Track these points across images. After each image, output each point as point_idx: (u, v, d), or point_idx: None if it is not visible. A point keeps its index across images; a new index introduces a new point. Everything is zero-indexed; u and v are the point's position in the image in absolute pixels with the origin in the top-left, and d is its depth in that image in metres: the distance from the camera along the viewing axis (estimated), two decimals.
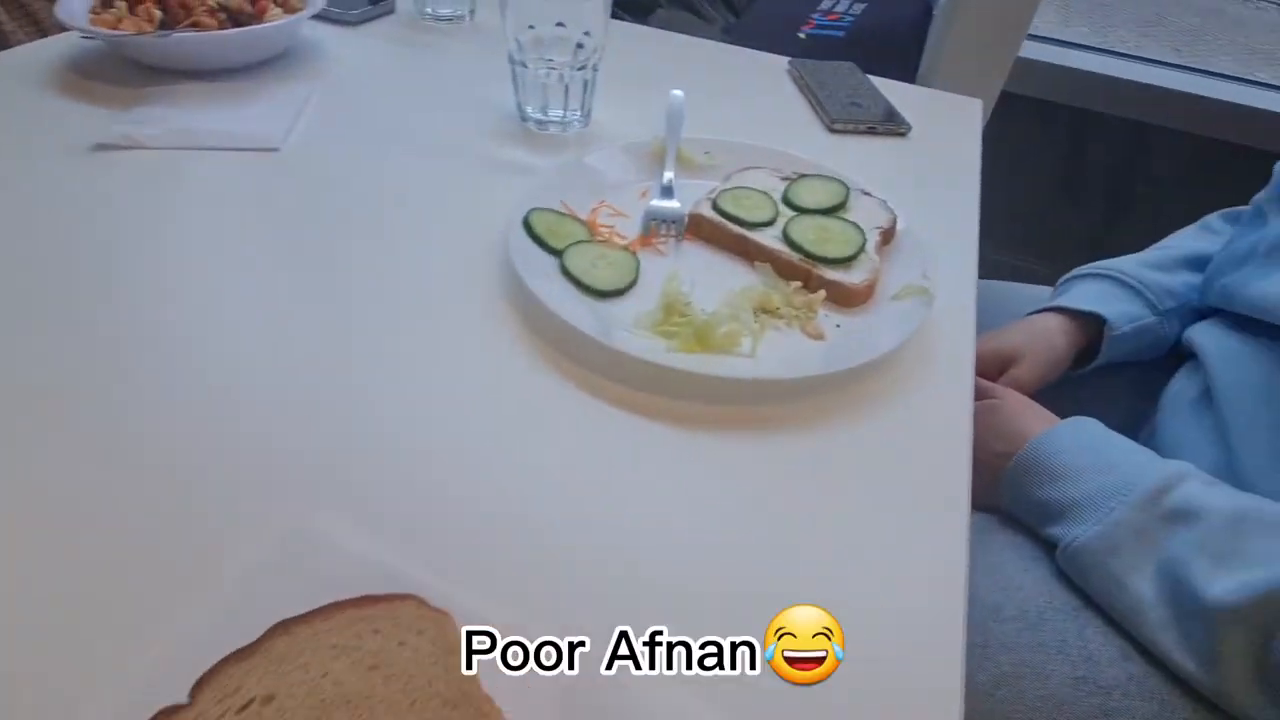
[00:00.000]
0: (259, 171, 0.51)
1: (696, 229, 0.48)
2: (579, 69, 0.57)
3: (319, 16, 0.69)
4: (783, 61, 0.77)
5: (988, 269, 0.53)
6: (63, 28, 0.61)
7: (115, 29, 0.59)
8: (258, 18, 0.62)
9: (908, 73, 0.92)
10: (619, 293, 0.42)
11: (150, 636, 0.24)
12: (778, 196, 0.50)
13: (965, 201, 0.56)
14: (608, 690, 0.24)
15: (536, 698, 0.23)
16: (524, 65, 0.56)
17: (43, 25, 0.64)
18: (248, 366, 0.36)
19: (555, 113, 0.59)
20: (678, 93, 0.58)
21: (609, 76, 0.62)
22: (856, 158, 0.60)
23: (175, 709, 0.22)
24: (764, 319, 0.41)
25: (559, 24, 0.56)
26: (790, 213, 0.48)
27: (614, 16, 0.90)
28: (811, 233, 0.45)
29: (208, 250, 0.44)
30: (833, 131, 0.64)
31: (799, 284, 0.43)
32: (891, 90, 0.72)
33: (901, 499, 0.33)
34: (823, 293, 0.42)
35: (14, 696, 0.23)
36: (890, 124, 0.64)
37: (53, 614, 0.25)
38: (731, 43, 0.96)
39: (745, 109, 0.67)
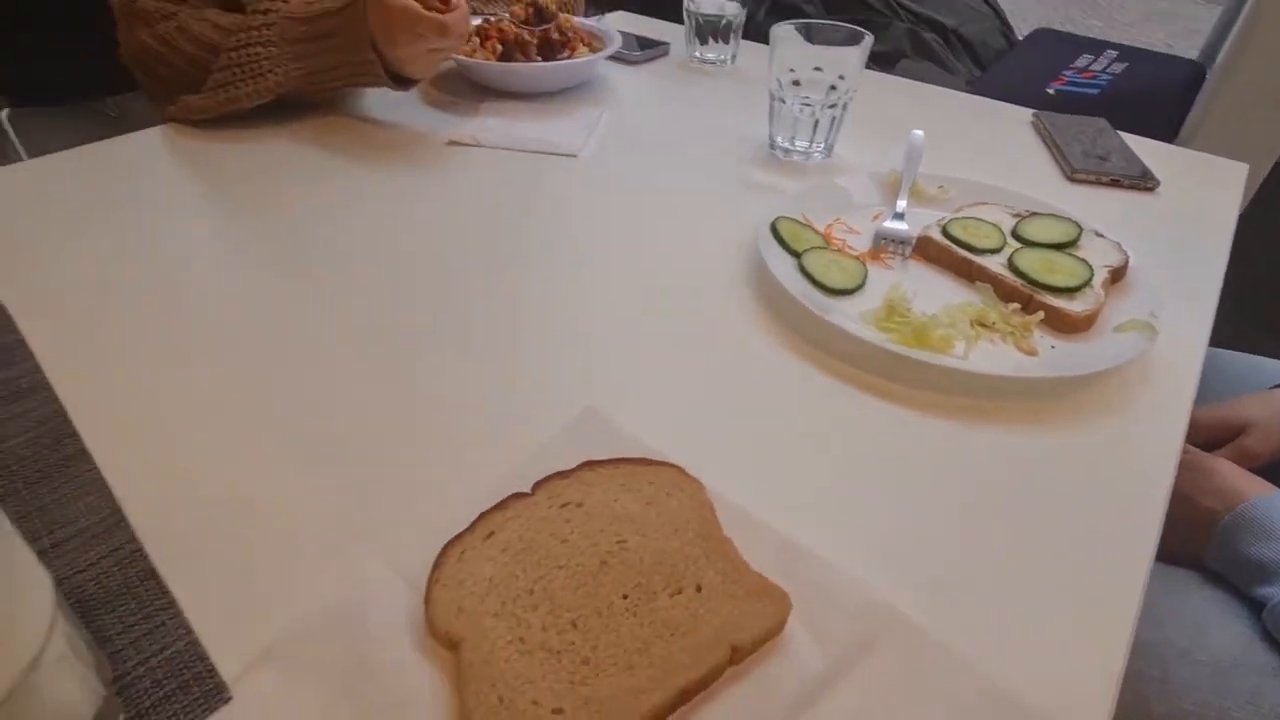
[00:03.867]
0: (562, 170, 0.66)
1: (924, 250, 0.54)
2: (830, 107, 0.66)
3: (611, 57, 0.85)
4: (1026, 113, 0.80)
5: (1222, 340, 0.52)
6: None
7: (469, 57, 0.78)
8: (571, 54, 0.79)
9: (1166, 136, 0.90)
10: (848, 292, 0.49)
11: (509, 451, 0.36)
12: (1007, 230, 0.54)
13: (1210, 263, 0.56)
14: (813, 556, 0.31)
15: (760, 544, 0.32)
16: (782, 101, 0.66)
17: None
18: (561, 304, 0.48)
19: (801, 144, 0.68)
20: (918, 132, 0.64)
21: (854, 118, 0.70)
22: (1095, 208, 0.62)
23: (522, 495, 0.33)
24: (979, 330, 0.46)
25: (817, 68, 0.65)
26: (1018, 245, 0.52)
27: None
28: (1037, 262, 0.50)
29: (520, 229, 0.58)
30: (1072, 180, 0.66)
31: (1018, 306, 0.48)
32: (1145, 148, 0.72)
33: (1085, 522, 0.35)
34: (1041, 314, 0.46)
35: (428, 466, 0.35)
36: (1137, 178, 0.65)
37: (451, 426, 0.38)
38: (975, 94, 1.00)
39: (982, 154, 0.72)
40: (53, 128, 1.82)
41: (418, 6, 0.61)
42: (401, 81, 0.67)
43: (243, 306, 0.47)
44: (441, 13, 0.62)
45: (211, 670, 0.28)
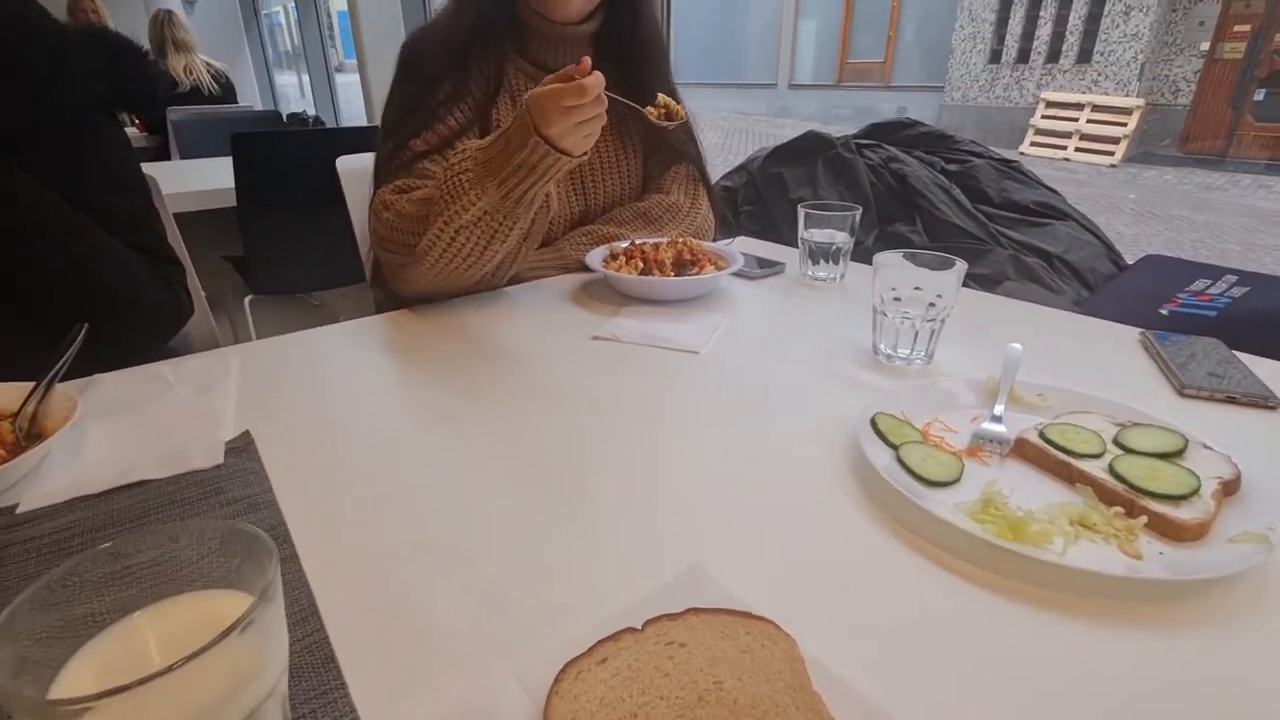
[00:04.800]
0: (687, 363, 0.76)
1: (1020, 451, 0.56)
2: (929, 320, 0.73)
3: (733, 274, 0.99)
4: (1133, 332, 0.83)
5: None
6: (583, 266, 1.01)
7: (615, 271, 0.94)
8: (699, 271, 0.94)
9: None
10: (944, 484, 0.52)
11: (624, 592, 0.41)
12: (1109, 438, 0.56)
13: None
14: None
15: (848, 703, 0.34)
16: (884, 314, 0.75)
17: (567, 263, 1.06)
18: (679, 473, 0.55)
19: (903, 351, 0.75)
20: (1016, 345, 0.69)
21: (955, 330, 0.77)
22: (1207, 425, 0.60)
23: (634, 630, 0.38)
24: (1079, 529, 0.47)
25: (917, 288, 0.74)
26: (1119, 452, 0.54)
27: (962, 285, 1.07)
28: (1139, 469, 0.51)
29: (648, 410, 0.67)
30: (1182, 396, 0.67)
31: (1120, 510, 0.49)
32: (1265, 368, 0.72)
33: None
34: (1144, 519, 0.47)
35: (543, 599, 0.41)
36: (1255, 396, 0.65)
37: (578, 566, 0.44)
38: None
39: (1084, 367, 0.74)
40: (270, 311, 2.26)
41: (559, 84, 0.74)
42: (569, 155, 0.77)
43: (419, 457, 0.57)
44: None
45: None
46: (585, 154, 0.79)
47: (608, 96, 0.76)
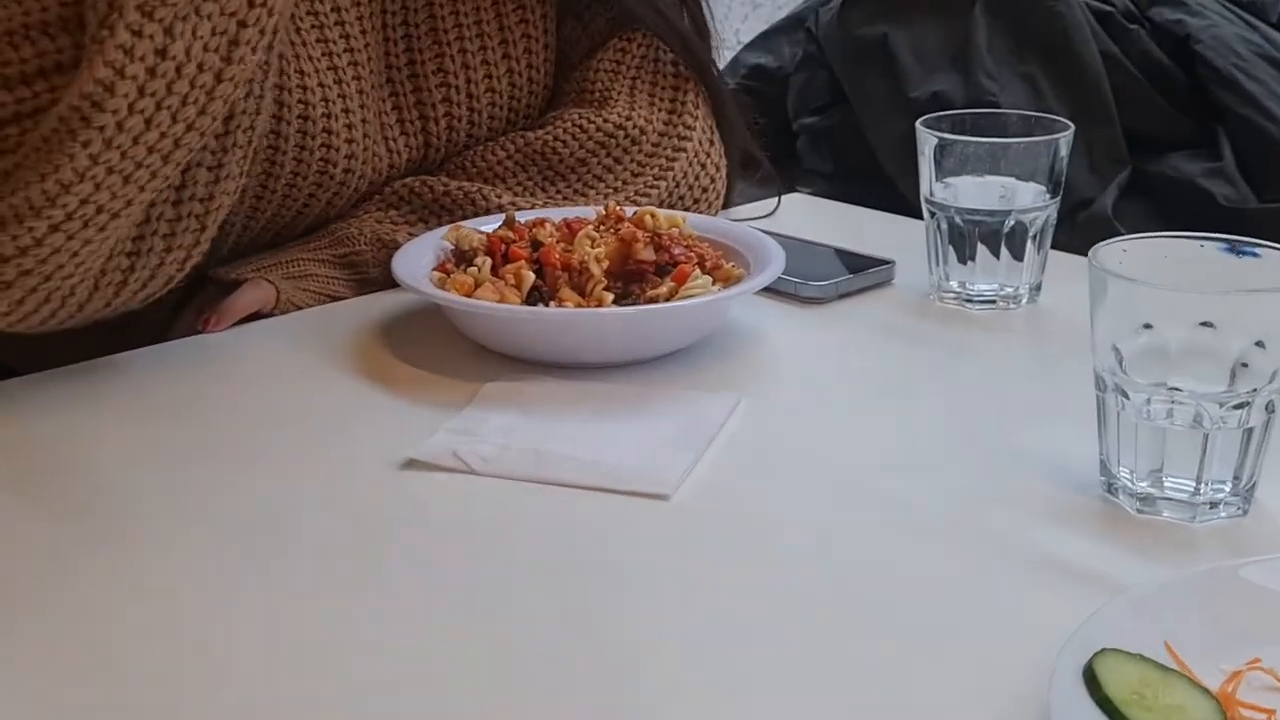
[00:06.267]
0: (634, 528, 0.70)
1: None
2: (1236, 406, 0.66)
3: (770, 289, 0.94)
4: None
5: None
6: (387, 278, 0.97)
7: (468, 295, 0.87)
8: (677, 286, 0.87)
9: None
10: None
11: None
12: None
13: None
14: None
15: None
16: (1124, 394, 0.68)
17: (360, 265, 1.03)
18: None
19: (1178, 485, 0.69)
20: None
21: None
22: None
23: None
24: None
25: (1204, 324, 0.67)
26: None
27: None
28: None
29: (537, 635, 0.60)
30: None
31: None
32: None
33: None
34: None
35: None
36: None
37: None
38: None
39: None
40: None
41: None
42: None
43: None
44: None
45: None
46: None
47: None
